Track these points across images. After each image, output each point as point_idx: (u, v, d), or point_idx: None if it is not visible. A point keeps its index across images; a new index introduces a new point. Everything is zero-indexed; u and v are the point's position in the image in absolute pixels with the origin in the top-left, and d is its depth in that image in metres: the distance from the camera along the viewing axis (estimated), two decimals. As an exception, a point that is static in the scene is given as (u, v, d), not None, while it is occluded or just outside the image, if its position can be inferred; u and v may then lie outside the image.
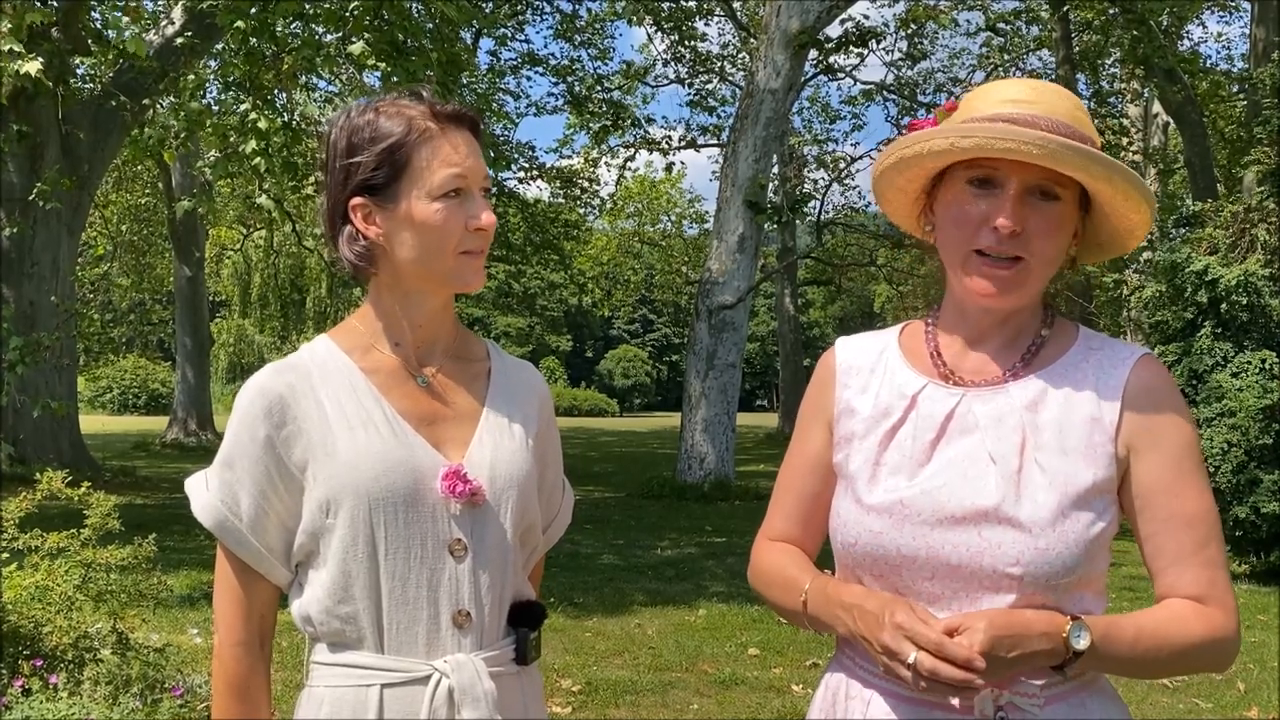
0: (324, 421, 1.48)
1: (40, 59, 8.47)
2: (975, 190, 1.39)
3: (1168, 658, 1.37)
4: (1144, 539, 1.41)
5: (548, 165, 23.54)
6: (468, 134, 1.52)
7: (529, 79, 38.38)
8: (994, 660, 1.26)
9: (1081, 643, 1.29)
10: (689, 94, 24.19)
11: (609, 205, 27.74)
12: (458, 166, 1.49)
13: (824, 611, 1.45)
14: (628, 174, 26.24)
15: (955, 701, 1.33)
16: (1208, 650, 1.38)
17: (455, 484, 1.47)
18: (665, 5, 20.44)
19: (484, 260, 1.54)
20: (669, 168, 25.29)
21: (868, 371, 1.53)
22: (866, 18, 15.88)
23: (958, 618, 1.30)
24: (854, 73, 22.98)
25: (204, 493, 1.51)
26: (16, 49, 8.27)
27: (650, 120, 22.40)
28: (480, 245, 1.52)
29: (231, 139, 8.72)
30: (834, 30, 14.95)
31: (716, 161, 24.42)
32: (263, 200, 9.13)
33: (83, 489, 3.63)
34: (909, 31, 21.13)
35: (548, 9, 20.40)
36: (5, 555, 3.57)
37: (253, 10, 8.45)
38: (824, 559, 1.54)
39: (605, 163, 24.23)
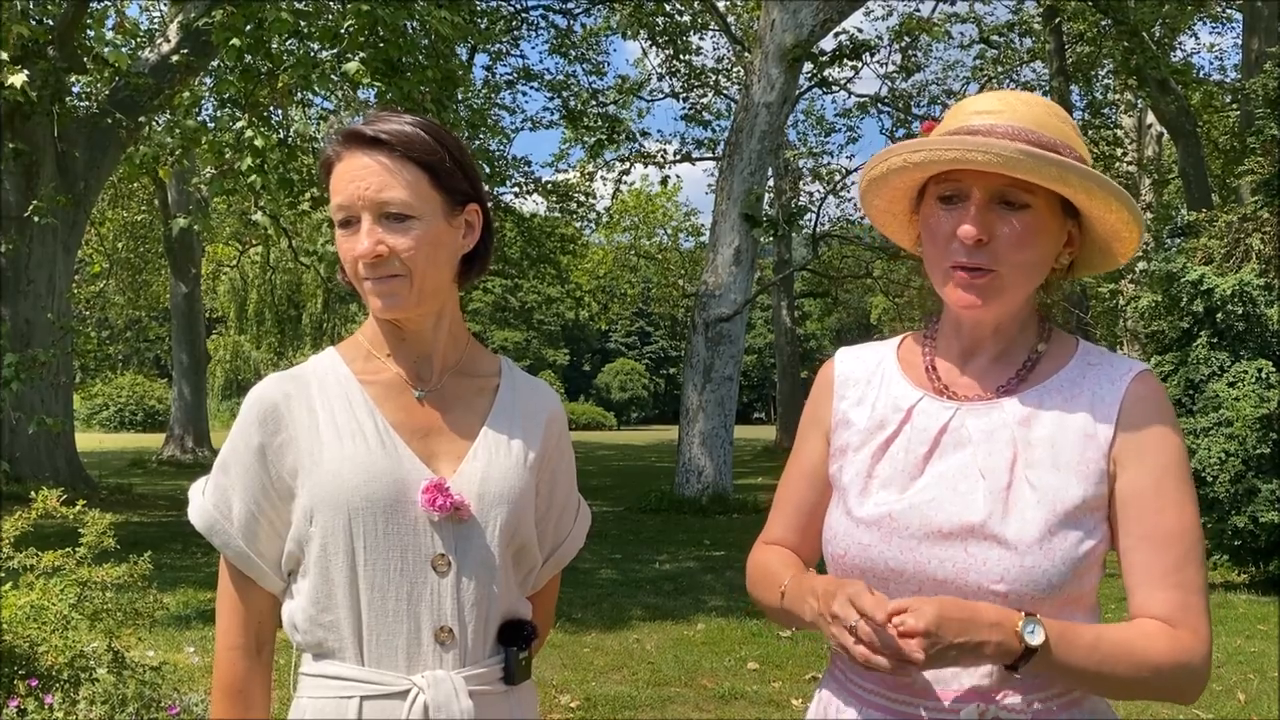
0: (315, 430, 1.49)
1: (26, 71, 8.47)
2: (943, 206, 1.40)
3: (1127, 672, 1.31)
4: (1121, 554, 1.39)
5: (544, 179, 23.60)
6: (371, 153, 1.45)
7: (524, 94, 38.47)
8: (938, 642, 1.23)
9: (1035, 638, 1.26)
10: (684, 108, 24.17)
11: (605, 219, 27.79)
12: (340, 195, 1.46)
13: (795, 601, 1.44)
14: (623, 188, 26.31)
15: (952, 707, 1.32)
16: (1171, 674, 1.32)
17: (435, 497, 1.46)
18: (660, 20, 20.52)
19: (399, 285, 1.45)
20: (664, 181, 25.31)
21: (864, 383, 1.53)
22: (860, 31, 15.97)
23: (911, 599, 1.28)
24: (848, 86, 23.10)
25: (199, 497, 1.54)
26: (3, 56, 8.29)
27: (646, 134, 22.56)
28: (374, 273, 1.45)
29: (227, 156, 8.73)
30: (828, 44, 15.03)
31: (712, 175, 24.46)
32: (259, 217, 9.12)
33: (78, 507, 3.62)
34: (903, 44, 21.21)
35: (543, 24, 20.48)
36: (1, 575, 3.56)
37: (248, 28, 8.46)
38: (823, 569, 1.54)
39: (601, 177, 24.29)
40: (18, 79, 8.27)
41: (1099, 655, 1.30)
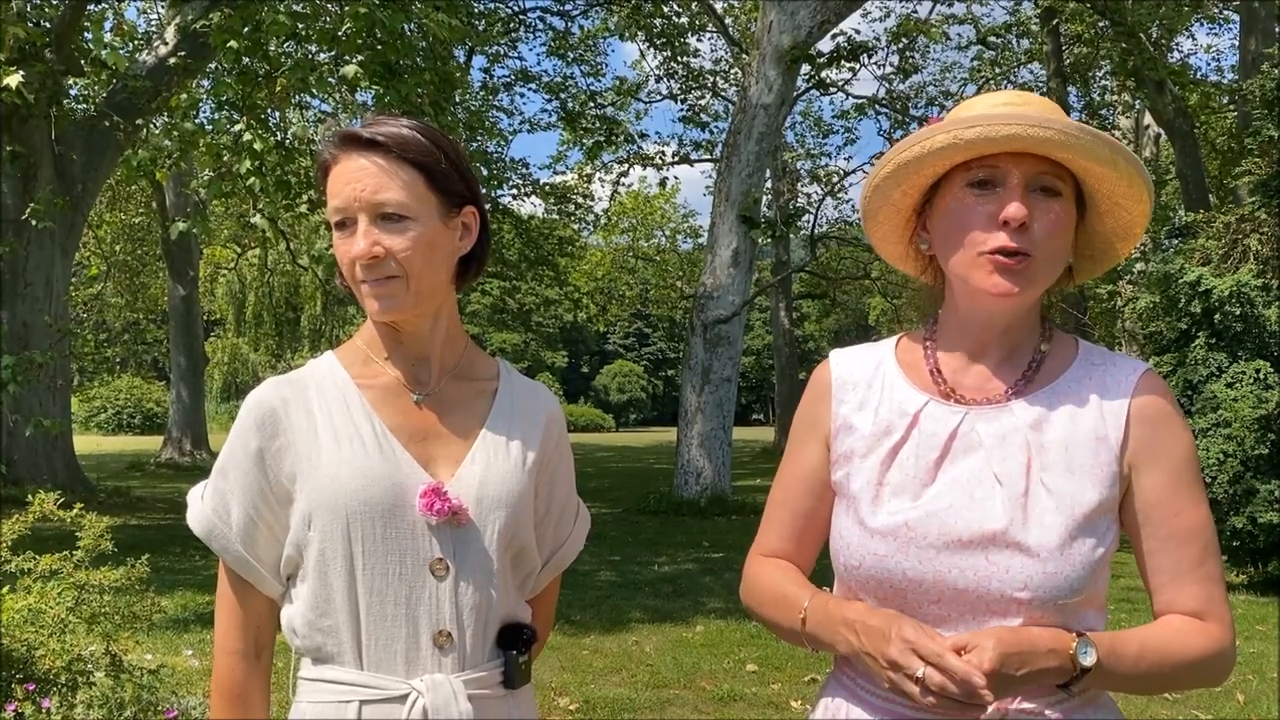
0: (313, 435, 1.48)
1: (20, 71, 8.48)
2: (976, 192, 1.37)
3: (1169, 673, 1.36)
4: (1144, 555, 1.40)
5: (542, 181, 23.60)
6: (367, 155, 1.45)
7: (522, 96, 38.52)
8: (1002, 678, 1.25)
9: (1088, 659, 1.29)
10: (682, 109, 24.19)
11: (603, 221, 27.78)
12: (336, 198, 1.46)
13: (824, 629, 1.42)
14: (621, 189, 26.32)
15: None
16: (1206, 666, 1.38)
17: (433, 501, 1.46)
18: (657, 22, 20.53)
19: (396, 286, 1.45)
20: (663, 183, 25.38)
21: (864, 386, 1.50)
22: (858, 32, 15.98)
23: (965, 636, 1.28)
24: (846, 87, 23.08)
25: (198, 502, 1.54)
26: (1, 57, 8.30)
27: (643, 136, 22.55)
28: (371, 274, 1.45)
29: (225, 158, 8.72)
30: (826, 45, 15.03)
31: (710, 176, 24.48)
32: (257, 220, 9.11)
33: (75, 510, 3.61)
34: (900, 46, 21.22)
35: (540, 26, 20.49)
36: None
37: (245, 30, 8.46)
38: (818, 575, 1.53)
39: (599, 178, 24.31)
40: (13, 80, 8.27)
41: (1145, 664, 1.34)
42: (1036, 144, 1.32)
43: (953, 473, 1.39)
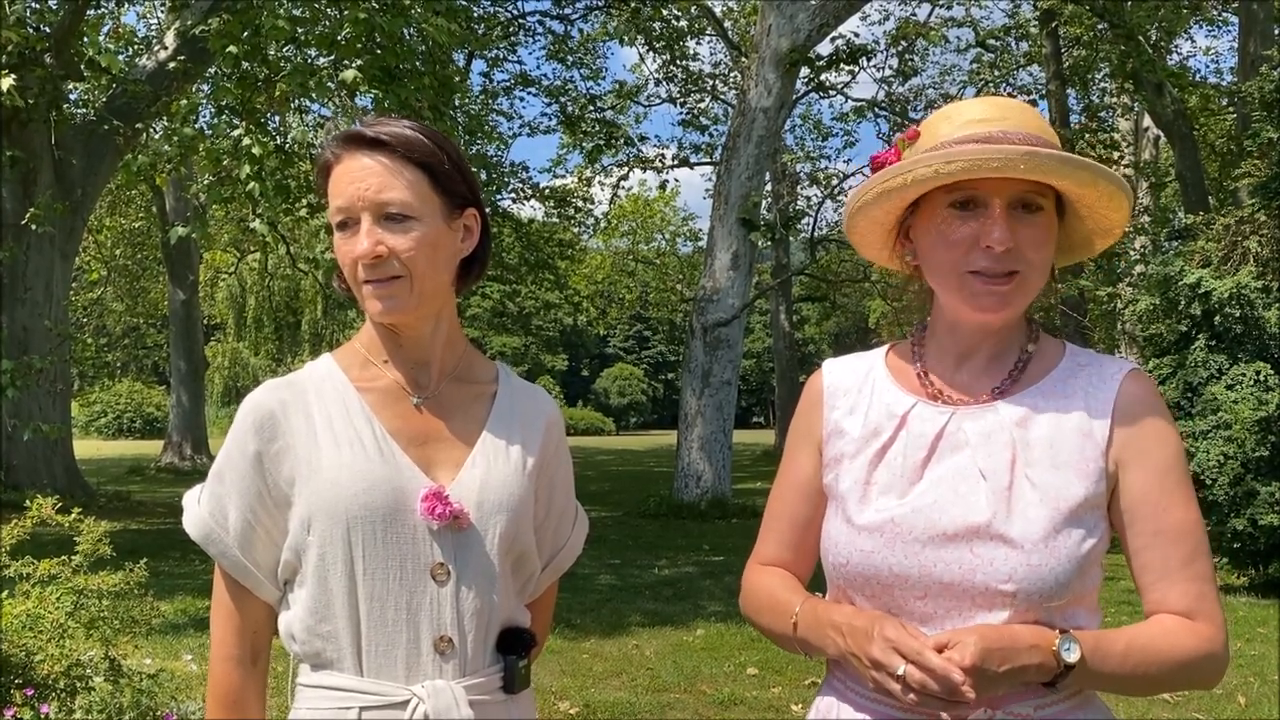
0: (312, 438, 1.47)
1: (13, 75, 8.50)
2: (959, 213, 1.39)
3: (1158, 673, 1.35)
4: (1132, 554, 1.40)
5: (541, 185, 23.61)
6: (371, 154, 1.45)
7: (522, 100, 38.45)
8: (984, 675, 1.25)
9: (1072, 655, 1.28)
10: (681, 113, 24.23)
11: (603, 224, 27.80)
12: (339, 197, 1.45)
13: (814, 633, 1.43)
14: (621, 193, 26.35)
15: (946, 717, 1.31)
16: (1197, 666, 1.37)
17: (435, 505, 1.45)
18: (657, 25, 20.55)
19: (399, 287, 1.45)
20: (662, 186, 25.39)
21: (855, 392, 1.53)
22: (857, 35, 15.94)
23: (947, 633, 1.29)
24: (845, 90, 23.11)
25: (195, 506, 1.52)
26: None
27: (643, 139, 22.52)
28: (374, 274, 1.44)
29: (225, 163, 8.73)
30: (825, 48, 15.05)
31: (710, 180, 24.50)
32: (256, 225, 9.11)
33: (74, 515, 3.61)
34: (899, 48, 21.25)
35: (540, 30, 20.50)
36: (-2, 583, 3.55)
37: (245, 35, 8.46)
38: (816, 583, 1.53)
39: (599, 182, 24.33)
40: (4, 82, 8.28)
41: (1131, 662, 1.33)
42: (1020, 174, 1.34)
43: (939, 470, 1.41)
